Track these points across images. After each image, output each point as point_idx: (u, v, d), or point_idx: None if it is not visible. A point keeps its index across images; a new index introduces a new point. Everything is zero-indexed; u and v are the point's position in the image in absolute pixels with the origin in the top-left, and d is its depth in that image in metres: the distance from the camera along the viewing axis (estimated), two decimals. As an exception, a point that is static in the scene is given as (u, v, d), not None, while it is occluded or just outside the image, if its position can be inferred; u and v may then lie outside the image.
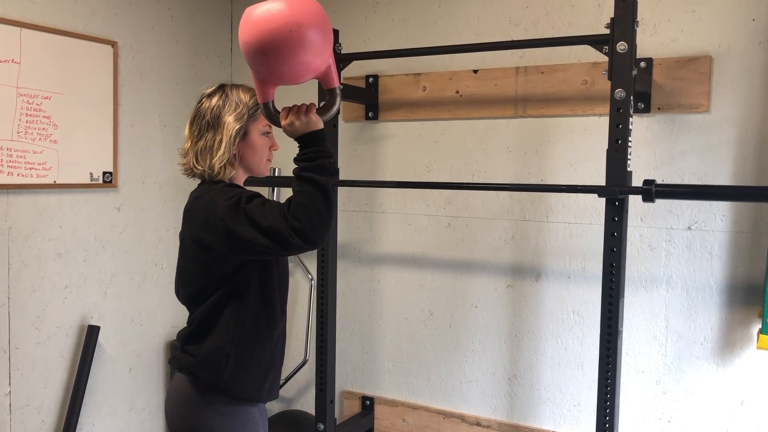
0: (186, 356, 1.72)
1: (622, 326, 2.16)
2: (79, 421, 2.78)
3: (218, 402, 1.69)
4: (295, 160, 1.60)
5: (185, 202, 1.76)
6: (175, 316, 3.26)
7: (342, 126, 3.12)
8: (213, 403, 1.69)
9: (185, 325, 1.78)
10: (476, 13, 2.86)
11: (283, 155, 2.13)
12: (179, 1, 3.21)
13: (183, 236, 1.75)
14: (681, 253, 2.50)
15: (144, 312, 3.12)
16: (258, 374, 1.72)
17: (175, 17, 3.19)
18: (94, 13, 2.82)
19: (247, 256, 1.63)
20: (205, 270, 1.68)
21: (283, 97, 1.98)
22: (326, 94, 1.67)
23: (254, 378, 1.71)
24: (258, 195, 1.63)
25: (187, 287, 1.75)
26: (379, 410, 3.12)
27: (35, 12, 2.60)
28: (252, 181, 1.86)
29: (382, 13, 3.08)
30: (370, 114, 3.08)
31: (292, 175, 1.59)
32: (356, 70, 3.02)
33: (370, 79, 3.06)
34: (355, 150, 3.15)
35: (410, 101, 3.00)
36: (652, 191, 2.04)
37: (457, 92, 2.89)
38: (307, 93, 2.59)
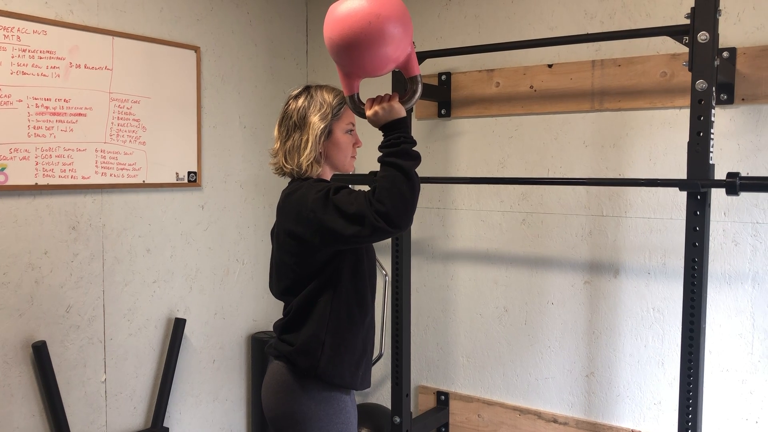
0: (283, 344, 1.80)
1: (705, 323, 2.11)
2: (167, 409, 2.93)
3: (314, 389, 1.75)
4: (380, 148, 1.66)
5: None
6: (256, 310, 3.38)
7: (415, 124, 3.16)
8: (309, 390, 1.75)
9: (281, 316, 1.86)
10: (550, 6, 2.83)
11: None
12: (257, 7, 3.32)
13: (277, 231, 1.83)
14: (768, 249, 2.42)
15: (226, 306, 3.24)
16: (352, 361, 1.78)
17: (253, 22, 3.30)
18: (179, 20, 2.96)
19: (337, 245, 1.69)
20: (299, 262, 1.75)
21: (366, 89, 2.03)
22: (407, 82, 1.73)
23: (349, 365, 1.77)
24: (345, 186, 1.70)
25: (283, 280, 1.82)
26: (454, 405, 3.14)
27: (126, 21, 2.75)
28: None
29: (454, 11, 3.10)
30: (442, 111, 3.10)
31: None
32: (429, 67, 3.05)
33: (443, 77, 3.08)
34: (428, 147, 3.18)
35: (483, 97, 3.00)
36: (736, 184, 1.98)
37: (531, 87, 2.87)
38: (389, 85, 2.64)
